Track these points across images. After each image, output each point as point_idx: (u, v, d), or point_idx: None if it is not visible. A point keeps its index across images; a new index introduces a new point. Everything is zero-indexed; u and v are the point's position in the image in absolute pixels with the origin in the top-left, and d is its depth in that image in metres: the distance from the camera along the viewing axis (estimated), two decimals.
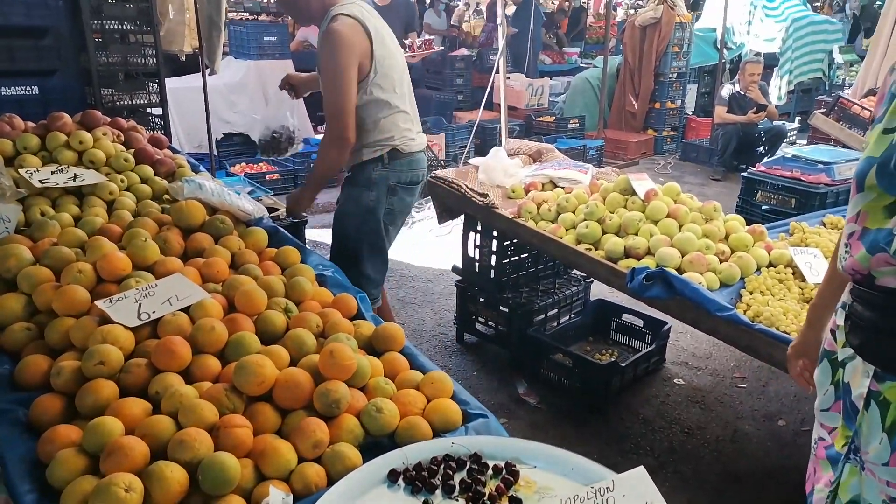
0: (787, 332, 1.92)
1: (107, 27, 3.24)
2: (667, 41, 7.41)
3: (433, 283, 4.03)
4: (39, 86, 3.08)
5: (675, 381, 3.03)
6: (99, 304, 1.48)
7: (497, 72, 5.06)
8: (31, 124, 2.32)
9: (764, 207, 4.00)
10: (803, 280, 2.28)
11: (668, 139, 7.87)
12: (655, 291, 2.08)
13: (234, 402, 1.31)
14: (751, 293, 2.20)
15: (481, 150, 6.70)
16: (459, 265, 3.21)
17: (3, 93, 2.99)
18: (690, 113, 8.53)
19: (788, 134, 7.33)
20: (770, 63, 7.99)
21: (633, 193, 2.56)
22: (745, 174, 4.24)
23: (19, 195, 1.97)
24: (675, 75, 7.67)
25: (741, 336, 1.97)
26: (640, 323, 3.12)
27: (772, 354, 1.89)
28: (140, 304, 1.51)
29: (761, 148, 6.85)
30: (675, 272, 2.15)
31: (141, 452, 1.14)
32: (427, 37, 8.46)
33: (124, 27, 3.30)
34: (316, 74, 2.52)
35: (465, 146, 6.13)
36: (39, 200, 1.99)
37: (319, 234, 4.42)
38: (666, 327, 3.02)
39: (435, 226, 4.82)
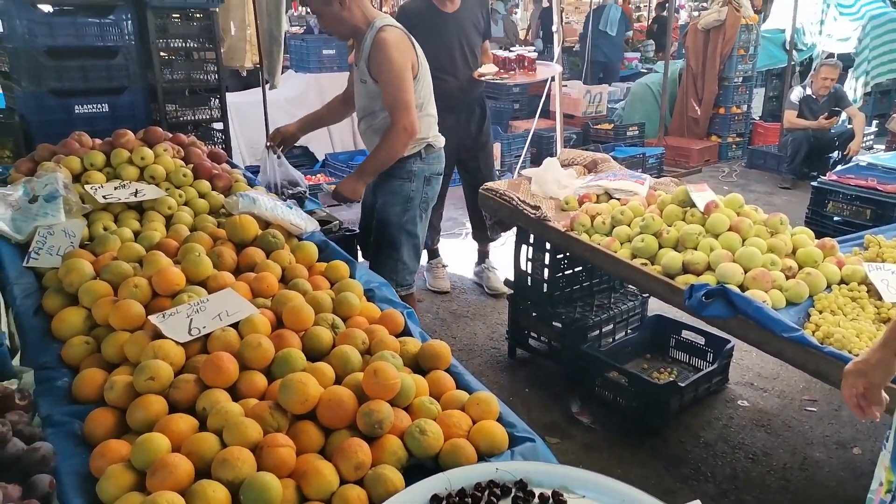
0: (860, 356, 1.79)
1: (172, 45, 3.36)
2: (731, 44, 7.16)
3: (485, 296, 3.99)
4: (109, 103, 3.22)
5: (738, 402, 2.89)
6: (152, 319, 1.51)
7: (553, 79, 4.98)
8: (98, 141, 2.42)
9: (836, 219, 3.79)
10: (879, 299, 2.13)
11: (734, 146, 7.59)
12: (715, 310, 1.98)
13: (279, 421, 1.31)
14: (820, 313, 2.07)
15: (537, 159, 6.63)
16: (511, 278, 3.17)
17: (76, 111, 3.14)
18: (757, 118, 8.20)
19: (865, 139, 6.93)
20: (845, 64, 7.60)
21: (693, 205, 2.46)
22: (815, 183, 4.03)
23: (84, 210, 2.05)
24: (740, 79, 7.39)
25: (809, 359, 1.85)
26: (701, 340, 2.99)
27: None
28: (191, 320, 1.54)
29: (835, 154, 6.51)
30: (736, 289, 2.05)
31: (185, 471, 1.15)
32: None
33: (188, 45, 3.43)
34: (308, 119, 2.95)
35: (521, 155, 6.07)
36: (103, 215, 2.07)
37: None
38: (729, 345, 2.88)
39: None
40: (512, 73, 3.83)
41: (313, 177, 5.84)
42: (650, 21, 12.28)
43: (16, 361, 1.51)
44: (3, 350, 1.43)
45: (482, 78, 3.66)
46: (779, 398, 2.92)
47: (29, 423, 1.29)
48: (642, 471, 2.37)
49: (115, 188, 2.14)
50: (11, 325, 1.65)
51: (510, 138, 6.70)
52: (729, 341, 2.87)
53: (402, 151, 2.57)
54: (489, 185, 2.94)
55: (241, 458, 1.18)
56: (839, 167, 5.09)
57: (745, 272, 2.17)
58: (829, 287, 2.20)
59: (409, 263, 2.73)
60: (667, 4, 9.78)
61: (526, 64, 3.79)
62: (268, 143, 2.82)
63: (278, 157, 2.75)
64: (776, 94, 8.47)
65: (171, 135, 2.56)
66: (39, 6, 3.06)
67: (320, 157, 6.39)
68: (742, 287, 2.14)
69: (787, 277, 2.21)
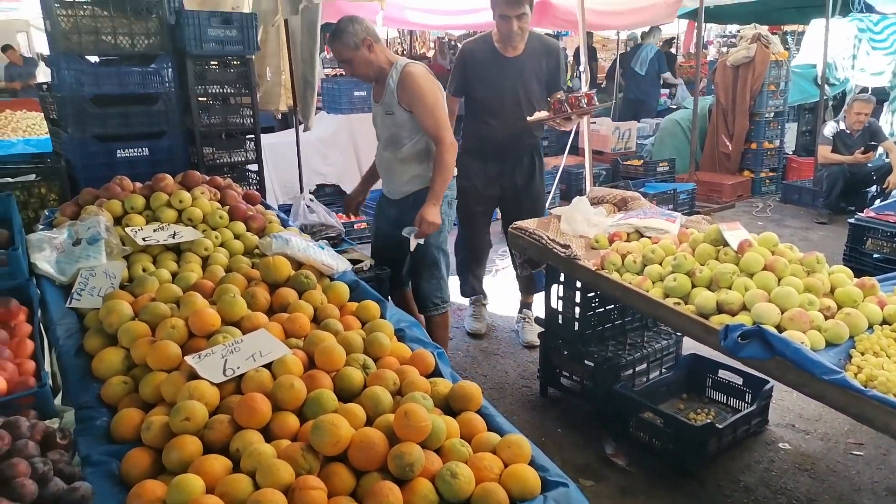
0: None
1: (210, 91, 3.48)
2: (761, 80, 7.13)
3: (517, 333, 3.96)
4: (150, 147, 3.33)
5: (780, 445, 2.79)
6: (188, 359, 1.55)
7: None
8: (138, 185, 2.51)
9: (875, 256, 3.70)
10: None
11: (767, 181, 7.49)
12: (752, 351, 1.94)
13: (310, 462, 1.31)
14: (862, 354, 2.00)
15: (566, 195, 6.63)
16: (542, 316, 3.14)
17: (118, 155, 3.25)
18: (790, 153, 8.11)
19: None
20: (879, 97, 7.50)
21: (726, 244, 2.43)
22: (852, 220, 3.94)
23: (125, 252, 2.12)
24: (771, 114, 7.34)
25: (852, 403, 1.79)
26: (739, 380, 2.92)
27: (889, 425, 1.71)
28: (226, 360, 1.57)
29: (873, 188, 6.38)
30: (773, 330, 2.00)
31: None
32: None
33: (225, 90, 3.54)
34: (367, 176, 3.32)
35: (550, 192, 6.08)
36: (142, 257, 2.13)
37: None
38: (768, 386, 2.80)
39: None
40: (563, 114, 3.29)
41: (345, 215, 5.92)
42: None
43: (58, 401, 1.55)
44: (46, 390, 1.47)
45: (532, 119, 3.37)
46: (822, 441, 2.82)
47: (69, 462, 1.32)
48: None
49: (155, 230, 2.21)
50: (54, 364, 1.70)
51: None
52: (768, 381, 2.79)
53: (454, 166, 2.86)
54: (519, 223, 2.95)
55: (274, 500, 1.19)
56: (877, 203, 4.98)
57: (782, 312, 2.12)
58: (870, 328, 2.14)
59: (447, 279, 3.12)
60: (695, 41, 9.82)
61: (584, 103, 3.29)
62: (304, 195, 3.08)
63: (310, 202, 2.87)
64: (809, 129, 8.37)
65: (208, 178, 2.64)
66: (87, 57, 3.21)
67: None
68: (779, 328, 2.09)
69: (826, 317, 2.15)
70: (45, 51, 11.06)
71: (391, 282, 3.03)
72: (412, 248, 2.81)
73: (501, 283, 4.80)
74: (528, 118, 3.36)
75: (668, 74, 9.91)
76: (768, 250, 2.37)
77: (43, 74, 8.13)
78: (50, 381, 1.56)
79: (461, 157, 3.07)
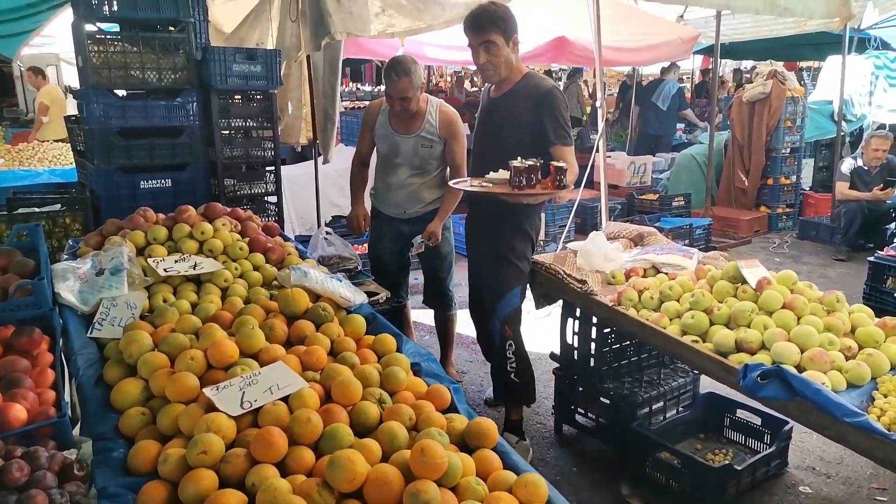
0: None
1: (233, 124, 3.56)
2: (777, 116, 7.15)
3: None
4: (172, 178, 3.41)
5: (800, 488, 2.73)
6: (206, 391, 1.55)
7: (597, 151, 5.05)
8: (161, 216, 2.55)
9: None
10: None
11: (784, 216, 7.45)
12: (772, 391, 1.92)
13: (326, 499, 1.31)
14: (885, 396, 1.97)
15: (581, 230, 6.63)
16: (557, 351, 3.13)
17: (142, 186, 3.32)
18: (807, 188, 8.08)
19: None
20: None
21: (744, 281, 2.41)
22: (872, 258, 3.90)
23: (146, 283, 2.14)
24: (788, 150, 7.34)
25: (876, 446, 1.75)
26: (757, 421, 2.87)
27: None
28: (244, 393, 1.57)
29: (891, 225, 6.32)
30: (793, 370, 1.98)
31: None
32: None
33: (248, 124, 3.62)
34: (360, 193, 3.55)
35: (566, 226, 6.09)
36: (163, 288, 2.16)
37: (419, 316, 4.47)
38: (788, 427, 2.75)
39: (532, 308, 4.76)
40: (524, 186, 2.51)
41: (361, 245, 5.96)
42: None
43: (76, 431, 1.56)
44: (65, 420, 1.49)
45: (456, 185, 2.79)
46: (844, 485, 2.76)
47: (86, 494, 1.32)
48: None
49: (176, 261, 2.24)
50: (74, 394, 1.71)
51: (554, 209, 6.74)
52: (787, 422, 2.74)
53: None
54: (536, 258, 2.96)
55: None
56: None
57: (802, 352, 2.09)
58: (893, 369, 2.11)
59: None
60: (710, 77, 9.90)
61: (551, 175, 2.55)
62: (323, 229, 3.29)
63: (328, 236, 3.00)
64: (826, 165, 8.34)
65: (229, 209, 2.69)
66: (116, 91, 3.30)
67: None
68: (799, 367, 2.06)
69: (847, 358, 2.12)
70: (74, 83, 11.33)
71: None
72: (415, 251, 3.35)
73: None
74: (480, 181, 2.72)
75: (688, 111, 10.01)
76: (787, 288, 2.36)
77: (72, 106, 8.33)
78: (69, 412, 1.57)
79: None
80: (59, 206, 3.27)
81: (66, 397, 1.64)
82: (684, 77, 12.95)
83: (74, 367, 1.76)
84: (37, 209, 3.21)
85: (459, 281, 3.68)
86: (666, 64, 9.51)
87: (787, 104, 7.15)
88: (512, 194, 2.54)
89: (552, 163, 2.59)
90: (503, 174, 2.62)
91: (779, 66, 7.55)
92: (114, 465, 1.44)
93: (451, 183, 2.88)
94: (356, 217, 3.50)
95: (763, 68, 7.55)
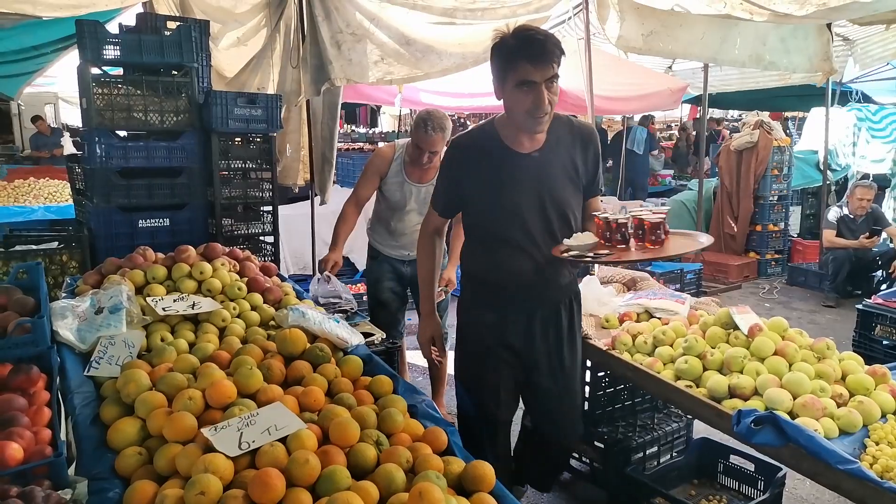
0: None
1: (232, 166, 3.62)
2: (765, 165, 7.32)
3: (523, 410, 3.91)
4: (171, 218, 3.44)
5: None
6: (204, 431, 1.55)
7: None
8: (160, 255, 2.57)
9: (885, 343, 3.69)
10: None
11: (773, 262, 7.56)
12: (765, 437, 1.93)
13: None
14: (877, 444, 1.99)
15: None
16: None
17: (140, 225, 3.35)
18: (795, 235, 8.21)
19: None
20: (881, 184, 7.66)
21: (736, 328, 2.45)
22: (861, 306, 3.96)
23: (144, 322, 2.15)
24: (776, 198, 7.49)
25: (869, 494, 1.76)
26: (751, 467, 2.86)
27: None
28: (242, 433, 1.57)
29: (879, 273, 6.42)
30: (786, 416, 2.00)
31: None
32: None
33: (247, 165, 3.68)
34: (345, 240, 3.45)
35: None
36: (161, 326, 2.17)
37: (411, 356, 4.46)
38: (781, 473, 2.74)
39: None
40: (621, 247, 2.12)
41: (355, 286, 5.98)
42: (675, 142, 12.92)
43: (71, 470, 1.55)
44: (61, 460, 1.48)
45: (565, 255, 2.10)
46: None
47: None
48: None
49: (175, 300, 2.26)
50: (70, 433, 1.70)
51: None
52: (781, 468, 2.74)
53: None
54: None
55: None
56: (884, 289, 5.01)
57: (794, 398, 2.12)
58: (883, 417, 2.13)
59: None
60: (697, 127, 10.17)
61: (645, 231, 2.10)
62: (324, 273, 3.18)
63: (328, 280, 3.00)
64: (813, 212, 8.51)
65: (227, 249, 2.71)
66: (118, 132, 3.36)
67: (360, 268, 6.56)
68: (791, 414, 2.08)
69: (838, 405, 2.15)
70: (70, 122, 11.44)
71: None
72: (438, 299, 3.24)
73: None
74: (561, 250, 2.14)
75: (656, 152, 10.61)
76: (778, 335, 2.39)
77: (69, 145, 8.42)
78: (65, 451, 1.57)
79: (469, 308, 2.39)
80: (56, 243, 3.28)
81: (62, 436, 1.64)
82: (673, 124, 13.31)
83: (71, 405, 1.75)
84: (34, 247, 3.22)
85: (452, 321, 3.69)
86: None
87: (774, 153, 7.33)
88: (640, 259, 2.15)
89: (642, 216, 2.12)
90: (586, 237, 2.12)
91: (765, 115, 7.77)
92: None
93: (565, 255, 2.10)
94: (329, 261, 3.26)
95: (750, 118, 7.75)
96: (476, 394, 2.40)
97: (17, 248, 3.17)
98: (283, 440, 1.58)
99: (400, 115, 11.87)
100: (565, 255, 2.10)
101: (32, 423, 1.62)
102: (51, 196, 6.32)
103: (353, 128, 16.77)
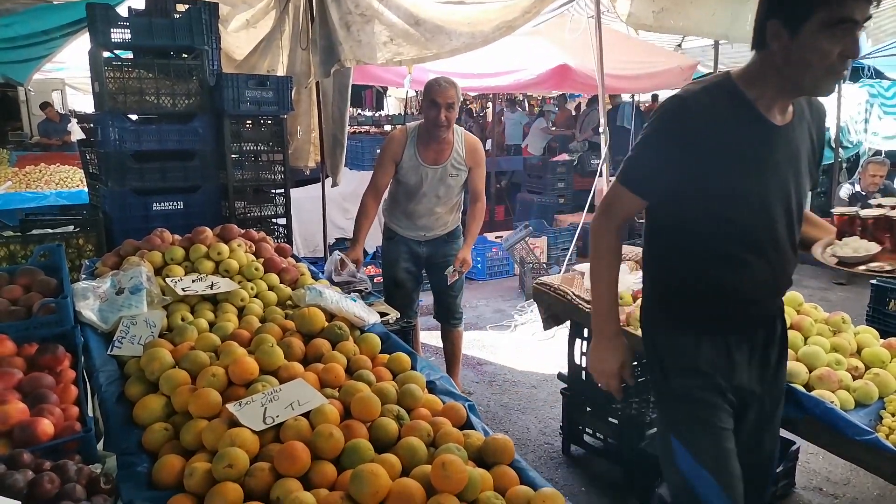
0: None
1: (244, 148, 3.63)
2: None
3: (537, 389, 3.95)
4: (184, 201, 3.46)
5: None
6: (229, 407, 1.58)
7: (600, 176, 5.13)
8: (177, 237, 2.59)
9: None
10: None
11: None
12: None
13: None
14: (892, 415, 2.00)
15: (583, 253, 6.68)
16: (564, 372, 3.15)
17: (154, 208, 3.37)
18: None
19: None
20: (893, 160, 7.59)
21: None
22: (874, 281, 3.93)
23: (164, 302, 2.18)
24: None
25: (885, 464, 1.78)
26: None
27: None
28: (265, 409, 1.60)
29: None
30: (803, 389, 2.01)
31: None
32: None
33: (259, 147, 3.69)
34: (366, 234, 3.42)
35: (568, 249, 6.15)
36: (181, 307, 2.19)
37: (424, 337, 4.50)
38: (794, 447, 2.77)
39: (537, 330, 4.80)
40: None
41: (366, 268, 6.01)
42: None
43: (99, 446, 1.58)
44: (91, 435, 1.51)
45: (840, 266, 1.76)
46: None
47: None
48: None
49: (193, 281, 2.28)
50: (97, 410, 1.74)
51: (556, 232, 6.81)
52: (794, 443, 2.76)
53: None
54: (544, 279, 3.00)
55: None
56: None
57: (810, 371, 2.13)
58: None
59: None
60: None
61: None
62: (338, 255, 3.17)
63: (342, 263, 3.06)
64: (824, 190, 8.44)
65: (243, 231, 2.73)
66: (130, 115, 3.37)
67: (370, 250, 6.60)
68: (807, 387, 2.09)
69: (854, 377, 2.16)
70: (77, 108, 11.44)
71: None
72: (451, 281, 3.38)
73: (519, 339, 4.81)
74: (825, 254, 1.79)
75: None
76: (794, 309, 2.40)
77: (77, 131, 8.44)
78: (93, 427, 1.60)
79: (676, 339, 1.72)
80: (72, 227, 3.31)
81: (90, 413, 1.67)
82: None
83: (97, 383, 1.79)
84: (50, 230, 3.25)
85: (466, 301, 3.73)
86: None
87: None
88: None
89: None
90: (864, 244, 1.72)
91: None
92: (139, 480, 1.46)
93: (841, 266, 1.75)
94: (352, 261, 3.15)
95: None
96: (716, 472, 1.62)
97: (35, 231, 3.20)
98: (306, 415, 1.60)
99: (406, 98, 11.81)
100: (840, 266, 1.70)
101: (60, 400, 1.65)
102: (62, 182, 6.35)
103: (360, 111, 16.71)
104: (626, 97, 10.14)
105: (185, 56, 3.46)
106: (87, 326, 2.04)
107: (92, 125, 3.61)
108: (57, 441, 1.48)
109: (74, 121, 9.48)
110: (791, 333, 2.28)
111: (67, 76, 10.10)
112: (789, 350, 2.21)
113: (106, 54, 3.29)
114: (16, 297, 2.02)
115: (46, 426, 1.49)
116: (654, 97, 12.14)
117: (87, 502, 1.30)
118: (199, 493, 1.39)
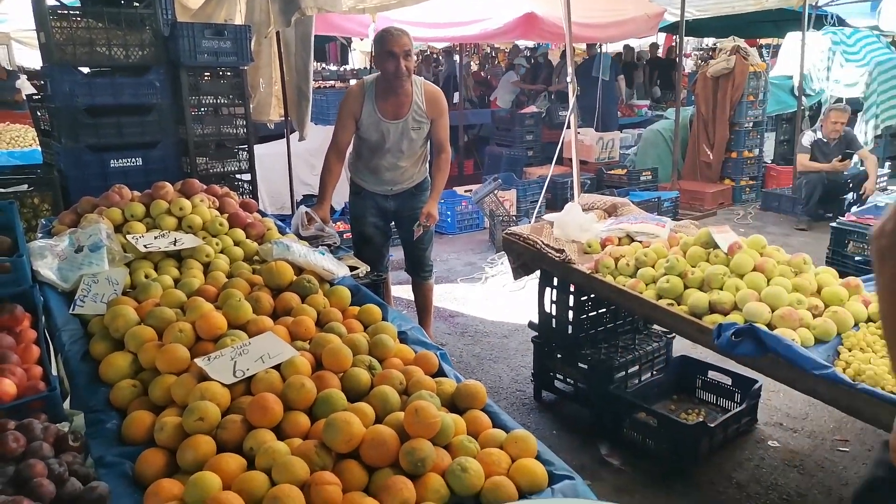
0: (894, 392, 1.80)
1: (203, 101, 3.50)
2: (741, 91, 7.30)
3: (508, 338, 4.01)
4: (143, 157, 3.35)
5: (769, 443, 2.85)
6: (198, 361, 1.56)
7: (568, 127, 5.11)
8: (136, 193, 2.52)
9: (857, 259, 3.80)
10: None
11: (747, 188, 7.65)
12: (745, 349, 2.00)
13: (324, 459, 1.34)
14: (850, 350, 2.08)
15: (552, 205, 6.71)
16: (535, 321, 3.19)
17: (111, 165, 3.26)
18: (769, 161, 8.29)
19: (879, 180, 6.96)
20: (854, 108, 7.71)
21: (716, 247, 2.50)
22: (834, 224, 4.05)
23: (126, 259, 2.13)
24: (751, 124, 7.51)
25: (842, 396, 1.85)
26: (728, 381, 2.98)
27: (878, 416, 1.77)
28: (235, 362, 1.59)
29: (849, 196, 6.54)
30: (765, 328, 2.06)
31: None
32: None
33: (218, 101, 3.57)
34: (332, 192, 3.30)
35: (537, 201, 6.16)
36: (143, 264, 2.14)
37: (396, 291, 4.49)
38: (757, 385, 2.87)
39: (508, 281, 4.84)
40: None
41: (335, 224, 5.94)
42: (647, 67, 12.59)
43: (65, 405, 1.55)
44: (56, 394, 1.48)
45: None
46: (809, 438, 2.89)
47: (83, 463, 1.33)
48: None
49: (156, 237, 2.22)
50: (61, 370, 1.70)
51: (525, 185, 6.81)
52: (756, 381, 2.86)
53: None
54: (513, 229, 3.00)
55: (292, 495, 1.21)
56: (856, 208, 5.11)
57: (773, 311, 2.19)
58: (856, 325, 2.21)
59: None
60: (675, 53, 10.05)
61: None
62: (304, 209, 3.08)
63: (308, 217, 2.99)
64: (787, 138, 8.57)
65: (205, 186, 2.66)
66: (80, 68, 3.22)
67: (338, 207, 6.52)
68: (770, 326, 2.15)
69: (814, 316, 2.23)
70: (26, 64, 10.90)
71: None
72: (417, 235, 3.31)
73: (491, 291, 4.84)
74: None
75: (621, 77, 10.28)
76: (757, 252, 2.45)
77: (26, 87, 8.06)
78: (58, 386, 1.57)
79: None
80: (25, 186, 3.19)
81: (54, 372, 1.64)
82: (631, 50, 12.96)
83: (59, 343, 1.75)
84: (2, 190, 3.13)
85: (437, 255, 3.72)
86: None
87: (750, 79, 7.29)
88: None
89: None
90: None
91: (741, 42, 7.69)
92: (108, 436, 1.45)
93: None
94: (319, 218, 3.11)
95: (726, 44, 7.67)
96: None
97: None
98: (276, 367, 1.59)
99: (372, 52, 11.55)
100: None
101: (22, 360, 1.61)
102: (13, 141, 6.10)
103: (324, 65, 16.28)
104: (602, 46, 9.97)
105: (137, 4, 3.30)
106: (46, 286, 1.98)
107: (41, 80, 3.44)
108: (20, 401, 1.45)
109: (24, 76, 9.05)
110: (754, 275, 2.34)
111: (11, 29, 9.58)
112: (752, 291, 2.27)
113: (51, 2, 3.12)
114: None
115: (8, 386, 1.46)
116: (627, 48, 12.04)
117: (56, 459, 1.28)
118: (170, 447, 1.38)
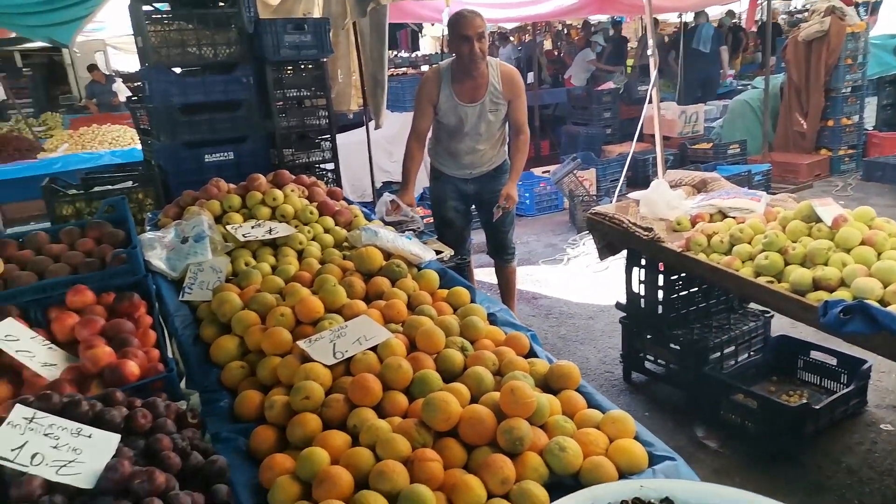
0: None
1: (287, 95, 3.62)
2: (837, 54, 6.82)
3: (594, 320, 3.95)
4: (234, 151, 3.50)
5: (881, 426, 2.69)
6: (300, 344, 1.63)
7: (649, 102, 4.94)
8: (232, 186, 2.64)
9: None
10: None
11: (847, 158, 7.16)
12: (855, 326, 1.89)
13: (424, 437, 1.37)
14: None
15: (633, 183, 6.53)
16: (622, 301, 3.13)
17: (206, 159, 3.43)
18: (871, 128, 7.72)
19: None
20: None
21: (819, 220, 2.36)
22: None
23: (227, 248, 2.24)
24: (849, 89, 7.01)
25: None
26: (833, 361, 2.83)
27: None
28: (334, 344, 1.65)
29: None
30: (877, 305, 1.94)
31: (347, 482, 1.24)
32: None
33: (301, 93, 3.67)
34: (414, 179, 3.37)
35: (617, 180, 6.01)
36: (243, 252, 2.25)
37: (478, 274, 4.51)
38: (866, 366, 2.71)
39: (590, 262, 4.76)
40: None
41: (418, 208, 6.01)
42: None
43: (182, 385, 1.66)
44: (174, 374, 1.59)
45: None
46: None
47: (201, 438, 1.42)
48: (781, 497, 2.24)
49: (252, 227, 2.33)
50: (175, 352, 1.82)
51: (604, 163, 6.66)
52: (865, 361, 2.69)
53: None
54: (598, 209, 2.95)
55: (396, 471, 1.25)
56: None
57: (885, 287, 2.05)
58: None
59: None
60: (765, 20, 9.49)
61: None
62: (389, 197, 3.11)
63: (394, 203, 3.02)
64: (891, 102, 7.95)
65: (294, 177, 2.75)
66: (173, 69, 3.39)
67: (417, 192, 6.59)
68: (882, 302, 2.02)
69: None
70: (121, 68, 11.55)
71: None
72: (496, 217, 3.30)
73: (573, 272, 4.78)
74: None
75: (724, 49, 9.73)
76: (865, 224, 2.30)
77: (123, 90, 8.57)
78: (175, 367, 1.67)
79: None
80: (130, 182, 3.41)
81: (169, 355, 1.75)
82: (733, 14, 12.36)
83: (172, 327, 1.87)
84: (111, 187, 3.35)
85: (517, 237, 3.70)
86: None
87: (847, 41, 6.80)
88: None
89: None
90: None
91: (836, 1, 7.18)
92: (221, 414, 1.54)
93: None
94: (405, 205, 3.12)
95: (820, 5, 7.17)
96: None
97: (97, 188, 3.30)
98: (373, 349, 1.64)
99: (443, 36, 11.53)
100: None
101: (141, 343, 1.73)
102: (115, 141, 6.51)
103: (396, 53, 16.44)
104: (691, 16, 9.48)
105: (222, 4, 3.43)
106: (157, 274, 2.12)
107: (137, 83, 3.64)
108: (144, 381, 1.56)
109: (119, 80, 9.62)
110: (863, 249, 2.20)
111: (108, 36, 10.19)
112: (860, 266, 2.14)
113: (146, 8, 3.30)
114: (89, 249, 2.10)
115: (133, 367, 1.57)
116: (730, 13, 11.44)
117: (178, 434, 1.38)
118: (279, 424, 1.46)
